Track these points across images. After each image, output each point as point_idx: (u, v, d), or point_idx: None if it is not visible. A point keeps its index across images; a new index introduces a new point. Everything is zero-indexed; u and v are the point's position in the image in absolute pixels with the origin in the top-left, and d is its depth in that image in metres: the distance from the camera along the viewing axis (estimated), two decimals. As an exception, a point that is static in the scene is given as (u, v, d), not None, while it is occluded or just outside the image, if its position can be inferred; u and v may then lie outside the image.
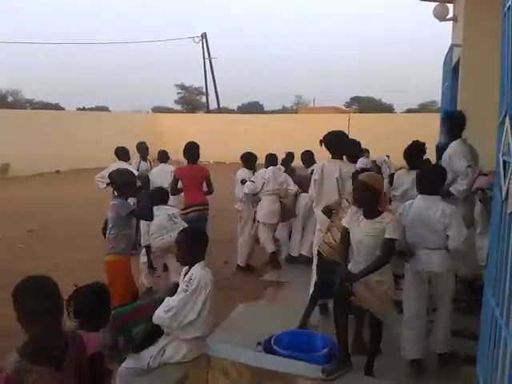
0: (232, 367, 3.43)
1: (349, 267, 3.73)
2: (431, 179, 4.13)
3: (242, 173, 7.24)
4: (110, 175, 4.81)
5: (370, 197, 3.66)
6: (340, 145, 5.05)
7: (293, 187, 6.96)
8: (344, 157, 5.15)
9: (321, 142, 5.07)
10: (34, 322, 2.02)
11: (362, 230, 3.67)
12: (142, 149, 8.44)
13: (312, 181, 5.15)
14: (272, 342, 3.87)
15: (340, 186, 4.81)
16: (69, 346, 2.16)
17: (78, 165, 19.53)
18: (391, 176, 5.52)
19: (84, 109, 37.77)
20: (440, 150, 5.61)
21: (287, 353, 3.66)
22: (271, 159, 7.24)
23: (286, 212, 7.05)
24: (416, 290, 4.03)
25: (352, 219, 3.79)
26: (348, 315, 3.66)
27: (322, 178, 5.00)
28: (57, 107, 38.62)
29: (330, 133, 5.09)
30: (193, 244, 3.45)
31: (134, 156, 8.58)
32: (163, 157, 8.17)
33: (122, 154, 8.08)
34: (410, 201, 4.19)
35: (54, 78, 65.09)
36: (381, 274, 3.60)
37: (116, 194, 4.68)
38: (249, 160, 7.37)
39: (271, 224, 6.94)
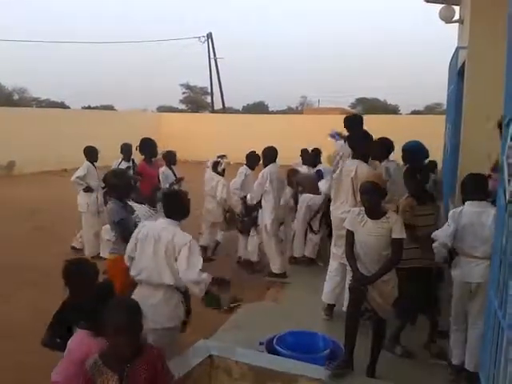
0: (235, 367, 3.44)
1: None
2: (476, 186, 3.88)
3: (242, 170, 7.26)
4: (105, 178, 4.82)
5: (380, 197, 3.71)
6: (361, 144, 4.96)
7: (219, 193, 7.16)
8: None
9: (344, 139, 5.06)
10: (113, 334, 2.33)
11: (368, 231, 3.67)
12: (125, 150, 8.07)
13: (332, 180, 5.17)
14: (274, 342, 3.88)
15: (355, 186, 4.70)
16: (137, 359, 2.41)
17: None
18: None
19: (89, 107, 37.79)
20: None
21: (289, 353, 3.67)
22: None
23: (228, 221, 7.33)
24: (458, 301, 3.88)
25: (355, 221, 3.79)
26: (359, 319, 3.69)
27: (341, 177, 4.96)
28: (62, 106, 38.68)
29: (355, 131, 5.06)
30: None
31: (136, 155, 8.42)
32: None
33: (89, 154, 8.00)
34: (460, 208, 3.93)
35: (60, 76, 65.05)
36: (386, 274, 3.63)
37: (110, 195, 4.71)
38: (250, 159, 7.37)
39: (208, 220, 7.43)
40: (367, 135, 5.07)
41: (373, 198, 3.69)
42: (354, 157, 4.94)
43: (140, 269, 3.63)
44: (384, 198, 3.78)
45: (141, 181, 6.85)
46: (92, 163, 7.93)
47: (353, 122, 5.56)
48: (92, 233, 7.67)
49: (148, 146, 7.00)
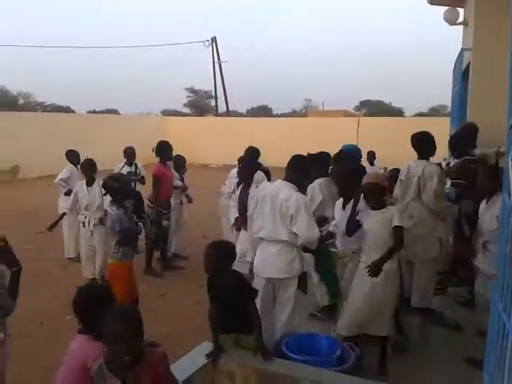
0: (238, 370, 3.42)
1: (362, 258, 4.03)
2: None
3: (234, 172, 7.23)
4: (104, 183, 4.83)
5: (382, 194, 4.06)
6: (425, 146, 5.09)
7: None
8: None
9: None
10: (111, 342, 2.34)
11: (372, 220, 3.99)
12: (129, 153, 8.10)
13: (398, 180, 5.20)
14: (283, 346, 3.78)
15: (421, 185, 4.88)
16: (139, 364, 2.41)
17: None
18: None
19: (94, 111, 37.88)
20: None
21: (300, 357, 3.57)
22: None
23: None
24: None
25: (361, 215, 4.11)
26: None
27: (408, 178, 5.01)
28: (68, 110, 38.78)
29: (416, 134, 5.16)
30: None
31: (139, 159, 8.37)
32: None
33: (71, 156, 7.98)
34: None
35: (65, 81, 65.49)
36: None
37: (112, 200, 4.72)
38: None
39: None
40: (427, 136, 5.21)
41: (377, 197, 4.02)
42: (420, 157, 5.07)
43: (259, 226, 4.04)
44: (384, 194, 4.12)
45: (160, 184, 6.80)
46: (75, 166, 7.90)
47: (251, 153, 6.86)
48: (71, 235, 7.71)
49: (165, 148, 6.97)
